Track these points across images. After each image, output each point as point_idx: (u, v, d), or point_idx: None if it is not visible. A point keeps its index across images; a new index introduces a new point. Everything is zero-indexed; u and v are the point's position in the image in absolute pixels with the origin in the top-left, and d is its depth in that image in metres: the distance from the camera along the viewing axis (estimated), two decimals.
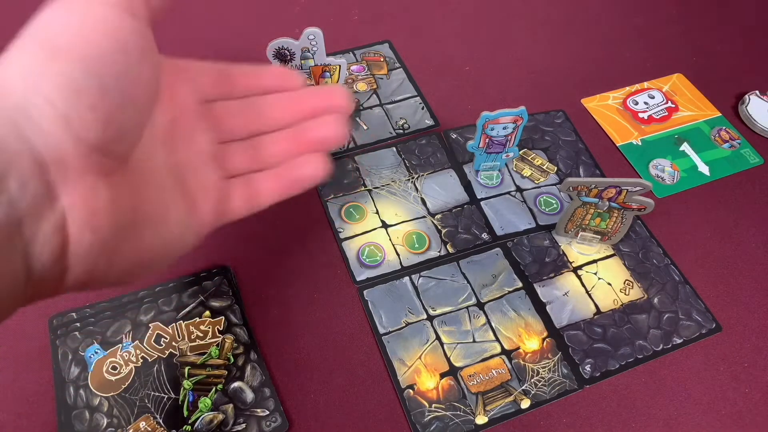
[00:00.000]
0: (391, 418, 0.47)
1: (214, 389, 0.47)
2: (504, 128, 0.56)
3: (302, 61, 0.60)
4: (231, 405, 0.46)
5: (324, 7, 0.76)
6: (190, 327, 0.50)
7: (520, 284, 0.54)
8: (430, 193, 0.60)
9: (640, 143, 0.66)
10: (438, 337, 0.51)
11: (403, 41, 0.73)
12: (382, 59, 0.71)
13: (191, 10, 0.74)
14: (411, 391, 0.48)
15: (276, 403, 0.47)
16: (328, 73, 0.61)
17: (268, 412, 0.46)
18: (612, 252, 0.57)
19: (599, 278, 0.55)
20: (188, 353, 0.48)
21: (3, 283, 0.21)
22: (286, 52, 0.57)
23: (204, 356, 0.48)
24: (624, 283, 0.55)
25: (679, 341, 0.52)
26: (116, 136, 0.24)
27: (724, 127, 0.68)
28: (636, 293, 0.55)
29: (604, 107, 0.69)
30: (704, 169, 0.64)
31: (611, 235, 0.56)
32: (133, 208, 0.26)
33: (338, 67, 0.60)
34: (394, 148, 0.63)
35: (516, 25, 0.77)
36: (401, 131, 0.65)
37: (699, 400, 0.49)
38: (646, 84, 0.72)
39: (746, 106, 0.69)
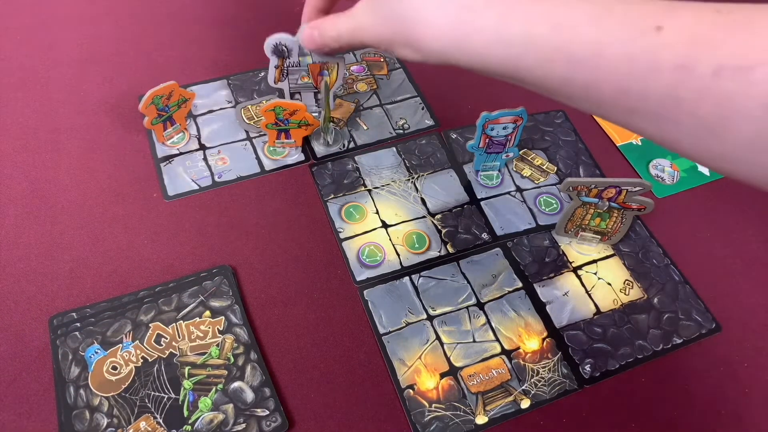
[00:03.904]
0: (391, 418, 0.47)
1: (214, 389, 0.47)
2: (504, 128, 0.56)
3: (300, 58, 0.59)
4: (231, 405, 0.46)
5: None
6: (190, 327, 0.50)
7: (520, 284, 0.54)
8: (430, 193, 0.60)
9: (640, 143, 0.66)
10: (438, 337, 0.51)
11: None
12: (382, 59, 0.71)
13: (191, 10, 0.74)
14: (411, 391, 0.48)
15: (276, 403, 0.47)
16: (326, 72, 0.61)
17: (268, 412, 0.46)
18: (612, 252, 0.57)
19: (599, 278, 0.55)
20: (188, 353, 0.48)
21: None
22: (284, 48, 0.57)
23: (204, 356, 0.48)
24: (624, 283, 0.55)
25: (679, 341, 0.52)
26: None
27: None
28: (636, 293, 0.55)
29: None
30: (704, 169, 0.64)
31: (611, 235, 0.56)
32: None
33: (336, 65, 0.60)
34: (394, 148, 0.63)
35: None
36: (401, 131, 0.65)
37: (699, 400, 0.49)
38: None
39: None
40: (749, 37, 0.26)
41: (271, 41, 0.56)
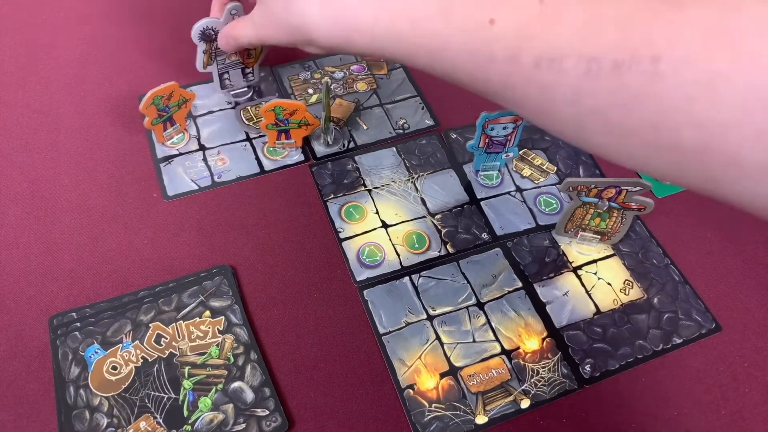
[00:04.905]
0: (391, 418, 0.47)
1: (214, 389, 0.47)
2: (504, 128, 0.56)
3: None
4: (231, 405, 0.46)
5: None
6: (190, 327, 0.50)
7: (520, 284, 0.54)
8: (430, 193, 0.60)
9: None
10: (438, 337, 0.51)
11: None
12: (382, 59, 0.71)
13: (192, 10, 0.74)
14: (411, 391, 0.48)
15: (276, 403, 0.47)
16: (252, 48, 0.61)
17: (268, 412, 0.46)
18: (612, 252, 0.57)
19: (599, 278, 0.55)
20: (188, 353, 0.48)
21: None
22: (211, 32, 0.56)
23: (204, 356, 0.48)
24: (624, 283, 0.55)
25: (679, 341, 0.52)
26: None
27: None
28: (636, 293, 0.55)
29: None
30: None
31: (611, 235, 0.56)
32: None
33: None
34: (394, 148, 0.63)
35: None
36: (401, 131, 0.65)
37: (699, 400, 0.49)
38: None
39: None
40: (561, 28, 0.29)
41: (198, 27, 0.56)
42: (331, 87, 0.67)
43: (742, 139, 0.25)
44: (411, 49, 0.36)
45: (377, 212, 0.58)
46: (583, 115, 0.29)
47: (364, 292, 0.53)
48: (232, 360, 0.48)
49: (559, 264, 0.56)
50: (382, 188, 0.60)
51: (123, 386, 0.46)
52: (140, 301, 0.51)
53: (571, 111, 0.30)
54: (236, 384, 0.47)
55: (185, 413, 0.46)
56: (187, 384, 0.47)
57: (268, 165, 0.61)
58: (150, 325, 0.49)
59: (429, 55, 0.35)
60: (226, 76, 0.63)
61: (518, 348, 0.51)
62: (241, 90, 0.65)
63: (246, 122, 0.64)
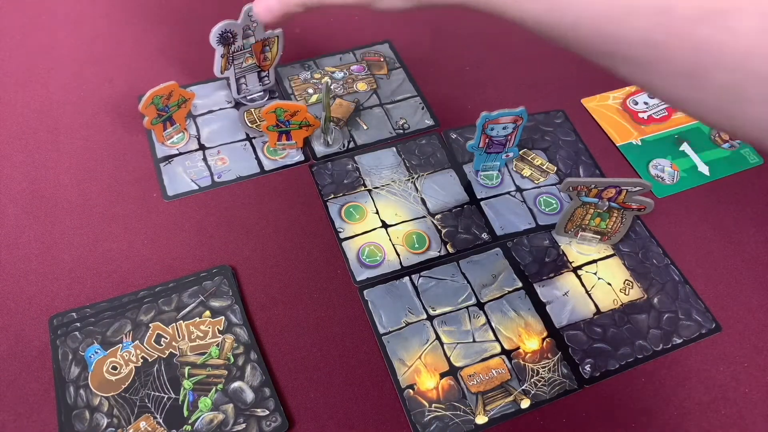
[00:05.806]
0: (391, 418, 0.47)
1: (214, 389, 0.47)
2: (504, 128, 0.56)
3: (243, 41, 0.59)
4: (231, 405, 0.46)
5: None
6: (190, 327, 0.50)
7: (520, 284, 0.54)
8: (430, 193, 0.60)
9: (639, 143, 0.66)
10: (438, 337, 0.51)
11: (403, 41, 0.73)
12: (382, 59, 0.71)
13: (191, 10, 0.74)
14: (411, 391, 0.48)
15: (276, 403, 0.47)
16: (267, 47, 0.61)
17: (268, 412, 0.46)
18: (612, 252, 0.57)
19: (599, 278, 0.55)
20: (188, 353, 0.48)
21: None
22: (229, 34, 0.56)
23: (204, 356, 0.48)
24: (624, 283, 0.55)
25: (679, 341, 0.52)
26: None
27: None
28: (636, 293, 0.55)
29: (603, 107, 0.69)
30: (704, 169, 0.64)
31: (611, 235, 0.56)
32: None
33: (276, 38, 0.60)
34: (394, 148, 0.63)
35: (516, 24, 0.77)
36: (401, 131, 0.65)
37: (699, 400, 0.49)
38: None
39: None
40: None
41: (216, 31, 0.55)
42: (331, 87, 0.67)
43: None
44: None
45: (377, 212, 0.58)
46: (744, 82, 0.25)
47: (364, 292, 0.53)
48: (232, 360, 0.48)
49: (559, 264, 0.56)
50: (382, 188, 0.60)
51: (123, 386, 0.46)
52: (140, 301, 0.51)
53: (729, 78, 0.25)
54: (236, 384, 0.47)
55: (185, 413, 0.46)
56: (187, 384, 0.47)
57: (268, 165, 0.61)
58: (150, 325, 0.49)
59: (546, 2, 0.31)
60: (242, 80, 0.63)
61: (518, 348, 0.51)
62: (256, 94, 0.65)
63: (249, 125, 0.64)
